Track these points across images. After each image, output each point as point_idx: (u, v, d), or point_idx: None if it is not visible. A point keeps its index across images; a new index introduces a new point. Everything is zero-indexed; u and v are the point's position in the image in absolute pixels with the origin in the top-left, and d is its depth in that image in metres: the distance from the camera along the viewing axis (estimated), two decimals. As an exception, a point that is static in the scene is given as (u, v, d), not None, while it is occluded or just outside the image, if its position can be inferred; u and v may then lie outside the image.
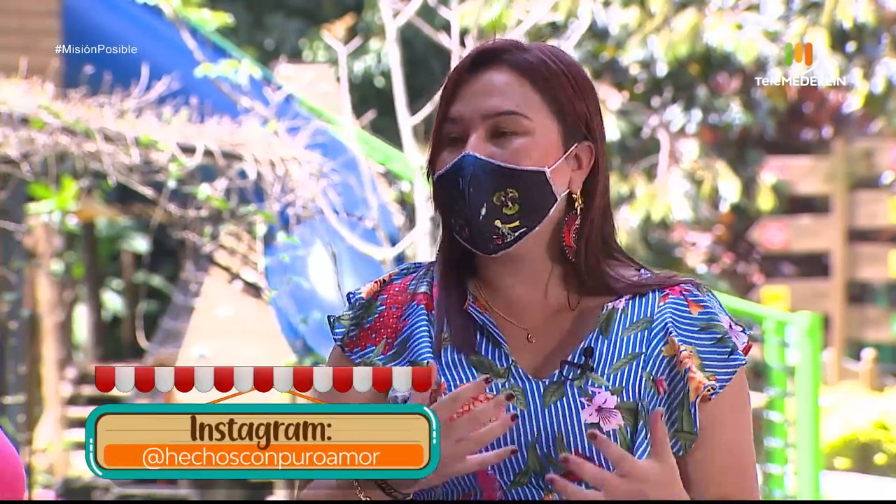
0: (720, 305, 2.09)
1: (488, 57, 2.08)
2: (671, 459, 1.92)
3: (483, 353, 2.08)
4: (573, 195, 2.08)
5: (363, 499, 1.98)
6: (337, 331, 2.16)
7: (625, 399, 2.02)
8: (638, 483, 1.89)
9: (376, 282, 2.18)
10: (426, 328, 2.10)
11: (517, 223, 2.04)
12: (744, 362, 2.05)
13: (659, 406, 2.03)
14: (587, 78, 2.10)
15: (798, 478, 8.22)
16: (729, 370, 2.04)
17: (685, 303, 2.07)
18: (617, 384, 2.02)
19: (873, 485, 11.64)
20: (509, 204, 2.04)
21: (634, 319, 2.07)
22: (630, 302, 2.08)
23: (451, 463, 1.92)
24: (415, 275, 2.17)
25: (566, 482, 1.91)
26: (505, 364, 2.07)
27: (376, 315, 2.14)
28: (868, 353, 14.83)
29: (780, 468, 8.27)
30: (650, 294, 2.08)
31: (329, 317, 2.18)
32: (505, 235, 2.05)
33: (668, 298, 2.07)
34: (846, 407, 13.13)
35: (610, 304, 2.08)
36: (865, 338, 16.12)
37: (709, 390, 2.02)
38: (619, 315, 2.07)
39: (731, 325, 2.07)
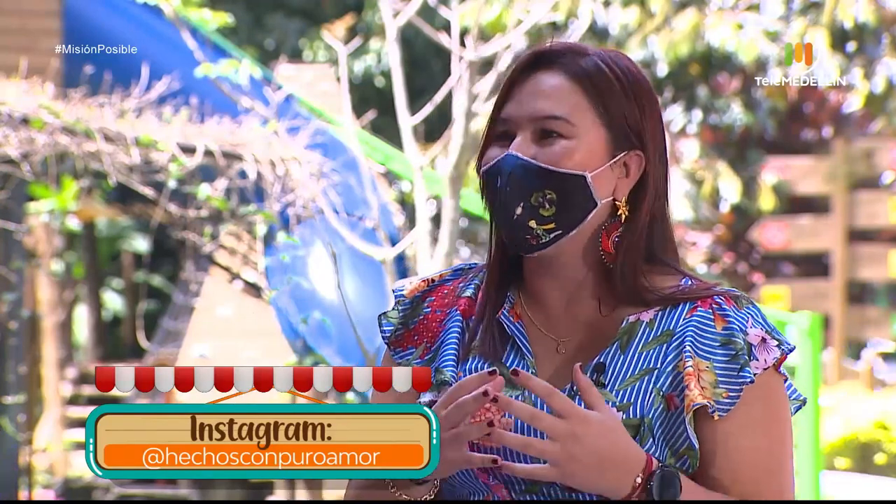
0: (757, 319, 2.04)
1: (544, 60, 2.09)
2: (611, 413, 1.92)
3: (507, 362, 2.08)
4: (616, 203, 2.07)
5: (394, 492, 1.99)
6: (385, 328, 2.17)
7: (631, 415, 2.01)
8: (577, 423, 1.89)
9: (424, 280, 2.19)
10: (457, 335, 2.11)
11: (553, 225, 2.04)
12: (750, 381, 2.00)
13: (667, 422, 2.01)
14: (646, 87, 2.09)
15: (798, 478, 8.22)
16: (737, 387, 2.00)
17: (711, 317, 2.04)
18: (625, 400, 2.01)
19: (873, 485, 11.64)
20: (546, 205, 2.04)
21: (658, 333, 2.05)
22: (659, 314, 2.06)
23: (446, 449, 1.91)
24: (465, 277, 2.18)
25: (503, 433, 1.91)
26: None
27: (421, 317, 2.15)
28: (868, 353, 14.83)
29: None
30: (681, 306, 2.06)
31: (379, 315, 2.19)
32: (540, 236, 2.05)
33: (696, 311, 2.04)
34: (846, 407, 13.13)
35: (633, 316, 2.06)
36: (865, 338, 16.11)
37: (709, 407, 1.99)
38: (643, 328, 2.05)
39: (764, 339, 2.02)
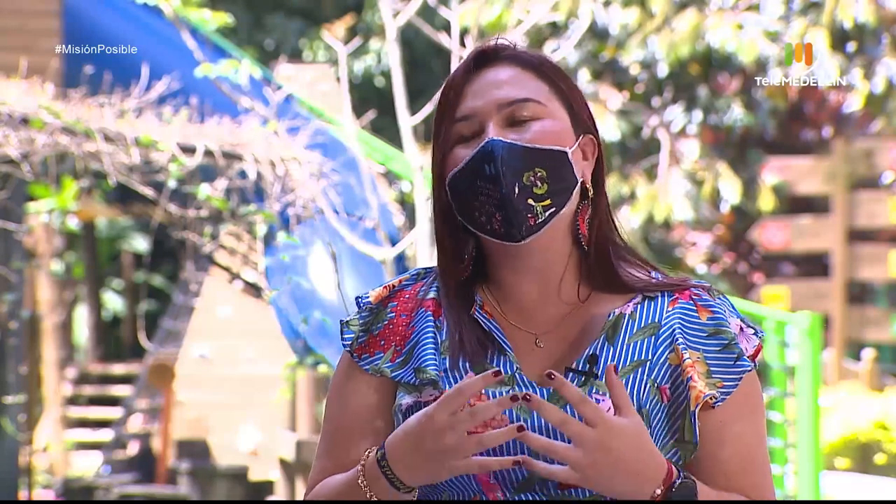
0: (731, 309, 2.08)
1: (489, 56, 2.12)
2: (637, 417, 1.92)
3: (489, 359, 2.08)
4: (585, 184, 2.10)
5: (370, 498, 2.00)
6: (346, 336, 2.16)
7: None
8: (605, 432, 1.90)
9: (385, 287, 2.18)
10: (432, 334, 2.10)
11: (548, 202, 2.06)
12: (749, 368, 2.04)
13: (662, 414, 2.02)
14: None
15: (798, 478, 8.22)
16: (734, 376, 2.03)
17: (694, 308, 2.06)
18: None
19: (873, 485, 11.64)
20: (538, 184, 2.05)
21: (642, 325, 2.06)
22: (639, 306, 2.08)
23: (454, 457, 1.92)
24: (425, 280, 2.17)
25: (533, 461, 1.92)
26: (510, 371, 2.06)
27: (385, 322, 2.15)
28: (868, 353, 14.82)
29: (780, 468, 8.27)
30: (659, 298, 2.08)
31: (340, 321, 2.18)
32: (538, 214, 2.05)
33: (677, 303, 2.07)
34: (846, 407, 13.12)
35: (617, 309, 2.07)
36: (865, 338, 16.11)
37: (711, 399, 2.01)
38: (626, 320, 2.07)
39: (741, 329, 2.06)
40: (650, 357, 2.04)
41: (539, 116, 2.07)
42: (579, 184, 2.09)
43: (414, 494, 2.00)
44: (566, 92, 2.10)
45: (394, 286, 2.18)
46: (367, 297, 2.17)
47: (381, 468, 1.98)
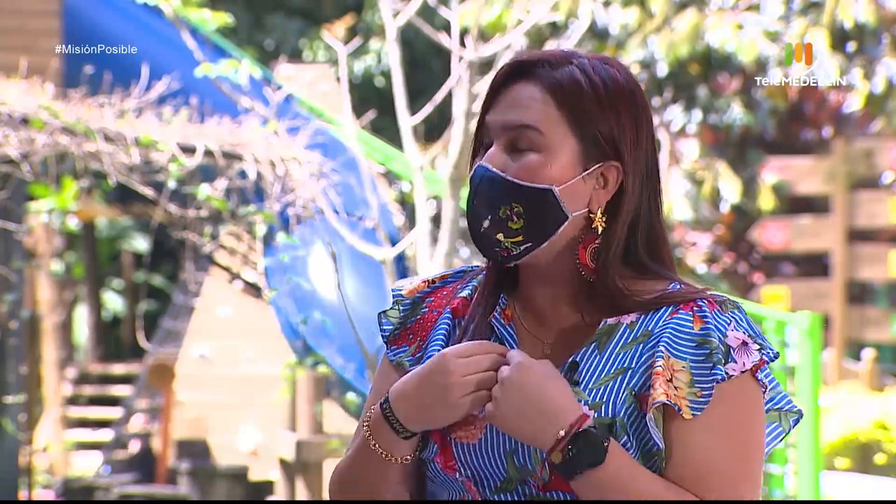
0: (741, 323, 2.03)
1: (524, 69, 2.09)
2: (548, 362, 2.01)
3: None
4: (591, 215, 2.06)
5: (373, 447, 2.04)
6: (384, 327, 2.20)
7: (602, 414, 2.01)
8: (515, 368, 1.99)
9: (425, 281, 2.21)
10: (444, 334, 2.14)
11: (520, 238, 2.05)
12: (721, 378, 1.99)
13: (638, 423, 2.00)
14: (629, 98, 2.08)
15: (798, 478, 8.22)
16: (709, 385, 1.99)
17: (691, 318, 2.03)
18: (597, 399, 2.01)
19: (873, 485, 11.64)
20: (514, 218, 2.04)
21: (637, 334, 2.05)
22: (641, 317, 2.05)
23: (459, 391, 2.00)
24: (465, 278, 2.20)
25: None
26: None
27: (418, 317, 2.18)
28: (868, 353, 14.82)
29: (780, 468, 8.27)
30: (663, 309, 2.05)
31: (378, 313, 2.22)
32: (509, 249, 2.05)
33: (677, 314, 2.04)
34: (846, 407, 13.12)
35: (612, 319, 2.06)
36: (865, 338, 16.11)
37: (674, 406, 1.98)
38: (623, 329, 2.05)
39: (745, 343, 2.02)
40: (633, 365, 2.03)
41: (535, 147, 2.05)
42: (576, 216, 2.05)
43: (412, 444, 2.04)
44: (584, 120, 2.05)
45: (434, 281, 2.21)
46: (401, 290, 2.21)
47: (383, 411, 2.03)
